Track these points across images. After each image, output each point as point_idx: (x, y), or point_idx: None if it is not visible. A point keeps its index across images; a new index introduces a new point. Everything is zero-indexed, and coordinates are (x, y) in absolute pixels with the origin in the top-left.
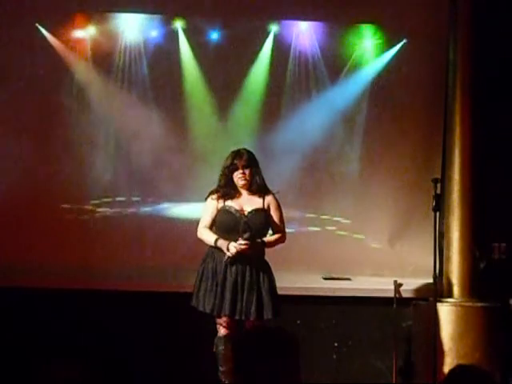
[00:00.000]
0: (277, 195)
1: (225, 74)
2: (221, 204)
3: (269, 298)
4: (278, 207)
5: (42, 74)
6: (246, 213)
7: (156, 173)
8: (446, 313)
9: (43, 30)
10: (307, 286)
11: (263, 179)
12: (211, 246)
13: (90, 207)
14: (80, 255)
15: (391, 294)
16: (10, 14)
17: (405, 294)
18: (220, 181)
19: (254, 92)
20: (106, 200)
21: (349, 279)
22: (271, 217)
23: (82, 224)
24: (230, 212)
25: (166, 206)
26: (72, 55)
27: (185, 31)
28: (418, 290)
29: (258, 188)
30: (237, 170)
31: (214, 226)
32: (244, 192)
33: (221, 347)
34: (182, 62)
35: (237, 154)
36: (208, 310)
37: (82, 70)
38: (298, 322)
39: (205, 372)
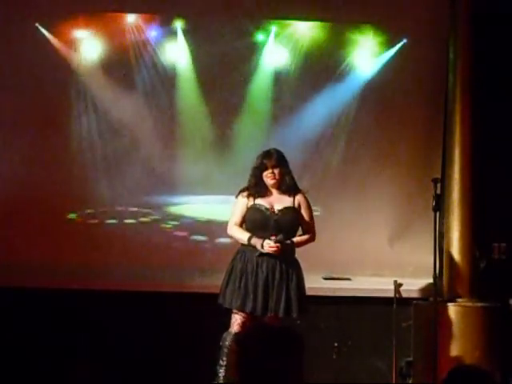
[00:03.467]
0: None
1: (223, 75)
2: (251, 202)
3: (296, 297)
4: (308, 206)
5: (41, 75)
6: (276, 211)
7: (155, 176)
8: (446, 313)
9: (43, 30)
10: (307, 286)
11: (293, 178)
12: (242, 245)
13: (91, 208)
14: (80, 255)
15: (391, 294)
16: (10, 14)
17: (405, 294)
18: (250, 181)
19: (253, 93)
20: (106, 202)
21: (349, 279)
22: (301, 216)
23: (83, 224)
24: (261, 210)
25: (165, 207)
26: (71, 56)
27: (184, 31)
28: (418, 290)
29: (288, 187)
30: (266, 169)
31: (243, 223)
32: (274, 191)
33: (227, 342)
34: (180, 63)
35: (266, 153)
36: (236, 307)
37: (82, 72)
38: (298, 322)
39: (205, 372)
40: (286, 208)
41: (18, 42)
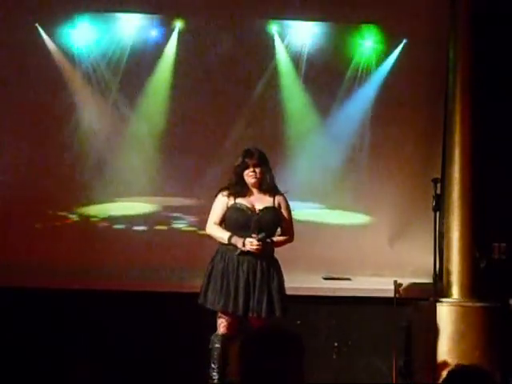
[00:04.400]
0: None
1: (224, 76)
2: (231, 201)
3: (278, 296)
4: (288, 207)
5: (38, 75)
6: (257, 210)
7: (155, 177)
8: (446, 313)
9: (42, 31)
10: (307, 286)
11: (273, 179)
12: (222, 244)
13: (92, 208)
14: (80, 255)
15: (391, 294)
16: (10, 14)
17: (405, 294)
18: (231, 179)
19: (254, 93)
20: (106, 202)
21: (349, 279)
22: (281, 216)
23: (83, 225)
24: (241, 209)
25: (165, 207)
26: (68, 57)
27: (183, 32)
28: (418, 290)
29: (269, 187)
30: (247, 168)
31: (223, 222)
32: (255, 191)
33: (217, 345)
34: (180, 63)
35: (248, 152)
36: (218, 308)
37: (78, 73)
38: (298, 322)
39: (205, 372)
40: (266, 208)
41: (17, 42)
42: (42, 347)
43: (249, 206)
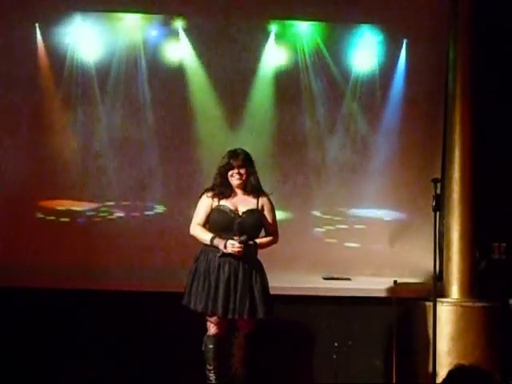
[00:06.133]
0: (271, 196)
1: (226, 76)
2: (215, 203)
3: (261, 298)
4: (272, 209)
5: (36, 74)
6: (240, 213)
7: (156, 176)
8: (446, 313)
9: (39, 31)
10: (307, 286)
11: (258, 180)
12: (205, 245)
13: (92, 209)
14: (80, 255)
15: (391, 294)
16: (9, 13)
17: (405, 294)
18: (215, 179)
19: (253, 94)
20: (107, 202)
21: (349, 279)
22: (265, 218)
23: (83, 225)
24: (225, 211)
25: (165, 207)
26: (66, 57)
27: (185, 31)
28: (418, 290)
29: (253, 188)
30: (232, 169)
31: (207, 223)
32: (239, 192)
33: (210, 346)
34: (183, 62)
35: (233, 153)
36: (200, 309)
37: (78, 72)
38: (298, 321)
39: (204, 372)
40: (250, 210)
41: (15, 43)
42: (41, 347)
43: (232, 208)
